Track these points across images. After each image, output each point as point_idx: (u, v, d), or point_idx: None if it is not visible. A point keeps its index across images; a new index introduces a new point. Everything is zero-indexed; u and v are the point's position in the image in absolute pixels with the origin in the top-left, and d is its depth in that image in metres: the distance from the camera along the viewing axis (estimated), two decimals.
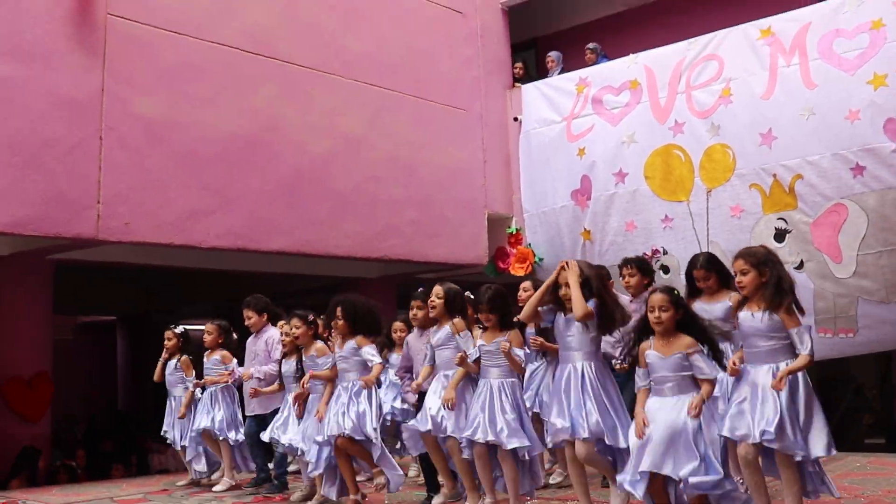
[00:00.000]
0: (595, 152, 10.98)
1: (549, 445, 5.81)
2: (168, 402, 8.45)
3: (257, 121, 9.59)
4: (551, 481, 7.25)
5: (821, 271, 9.30)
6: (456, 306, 6.25)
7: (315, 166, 10.02)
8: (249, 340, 7.91)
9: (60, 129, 8.18)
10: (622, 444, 5.23)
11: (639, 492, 4.84)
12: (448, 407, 5.94)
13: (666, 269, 10.20)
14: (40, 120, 8.06)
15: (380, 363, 6.49)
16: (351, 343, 6.46)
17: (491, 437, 5.66)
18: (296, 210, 9.78)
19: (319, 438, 6.45)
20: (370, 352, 6.43)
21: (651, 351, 5.01)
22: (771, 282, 4.88)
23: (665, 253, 10.19)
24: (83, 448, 13.04)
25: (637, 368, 5.13)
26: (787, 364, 4.81)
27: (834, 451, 4.83)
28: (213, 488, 7.86)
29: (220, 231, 9.18)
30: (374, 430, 6.32)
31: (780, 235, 9.48)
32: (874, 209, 8.99)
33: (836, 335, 9.32)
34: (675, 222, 10.15)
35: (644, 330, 5.11)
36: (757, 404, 4.78)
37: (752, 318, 4.90)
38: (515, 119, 12.14)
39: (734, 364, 4.96)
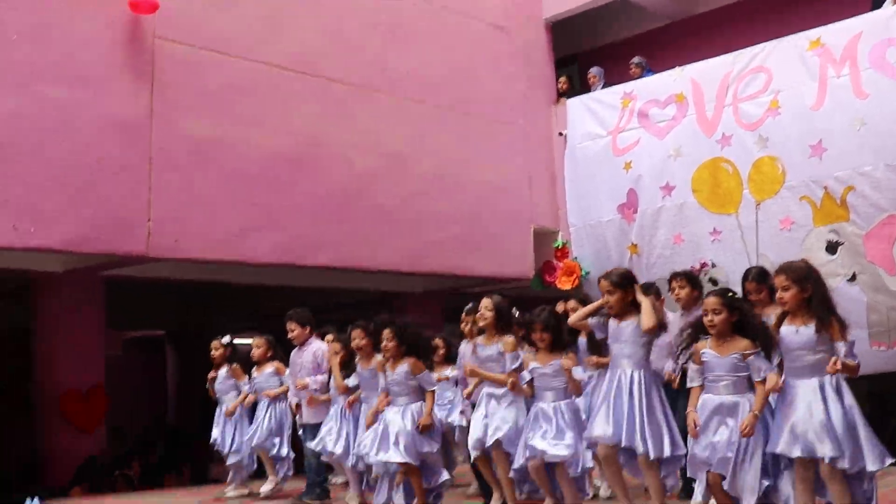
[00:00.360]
0: (641, 166, 10.91)
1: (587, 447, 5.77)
2: (217, 411, 8.55)
3: (302, 139, 9.67)
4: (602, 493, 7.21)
5: (874, 283, 9.14)
6: (506, 319, 6.22)
7: (360, 183, 10.08)
8: (294, 353, 7.93)
9: (112, 150, 8.32)
10: (666, 454, 5.33)
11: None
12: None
13: (715, 282, 10.04)
14: (93, 142, 8.21)
15: (433, 391, 6.43)
16: (404, 366, 6.36)
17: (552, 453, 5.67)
18: (341, 226, 9.84)
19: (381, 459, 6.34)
20: (427, 379, 6.38)
21: (708, 350, 5.08)
22: (816, 297, 4.81)
23: (713, 266, 10.08)
24: (137, 458, 13.22)
25: (690, 365, 5.19)
26: (832, 377, 4.75)
27: (889, 461, 4.75)
28: (261, 489, 8.02)
29: (266, 247, 9.27)
30: (432, 446, 6.31)
31: (831, 248, 9.33)
32: None
33: (891, 348, 9.14)
34: (724, 235, 10.04)
35: (700, 329, 5.16)
36: (808, 420, 4.70)
37: (797, 333, 4.83)
38: (560, 134, 12.09)
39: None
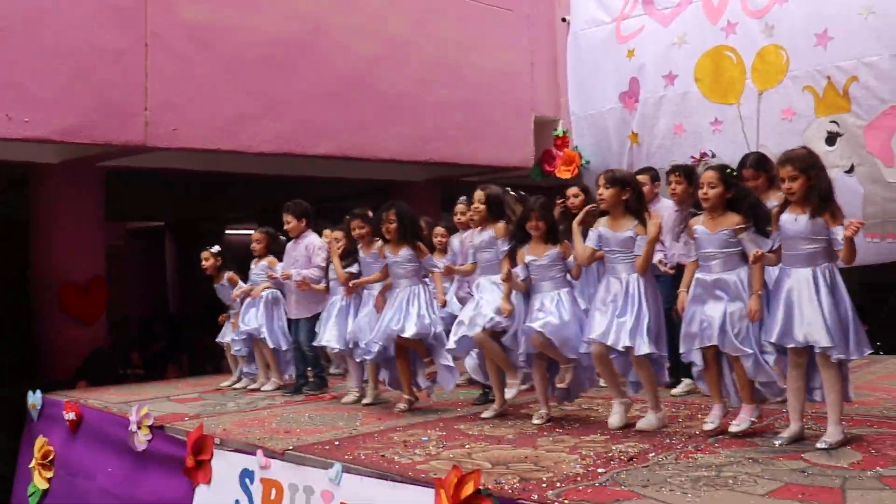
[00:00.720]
0: (645, 54, 10.75)
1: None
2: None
3: (303, 24, 9.53)
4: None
5: (872, 175, 9.13)
6: (498, 210, 6.27)
7: (361, 69, 9.97)
8: (289, 245, 8.02)
9: (106, 36, 8.21)
10: (656, 351, 5.44)
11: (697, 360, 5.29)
12: (504, 316, 6.01)
13: None
14: (86, 28, 8.09)
15: (441, 271, 6.62)
16: (406, 250, 6.54)
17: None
18: (342, 114, 9.77)
19: (379, 341, 6.58)
20: (430, 262, 6.60)
21: (699, 226, 5.20)
22: (818, 185, 4.81)
23: (713, 156, 10.02)
24: (138, 350, 13.47)
25: (687, 243, 5.37)
26: (826, 266, 4.81)
27: (868, 350, 4.85)
28: (262, 388, 8.14)
29: (266, 136, 9.23)
30: (438, 331, 6.52)
31: (831, 139, 9.29)
32: None
33: (885, 240, 9.19)
34: (725, 125, 9.97)
35: (699, 207, 5.27)
36: (802, 309, 4.78)
37: (795, 221, 4.85)
38: (563, 20, 11.89)
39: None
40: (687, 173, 6.92)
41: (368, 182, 12.85)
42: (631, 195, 5.55)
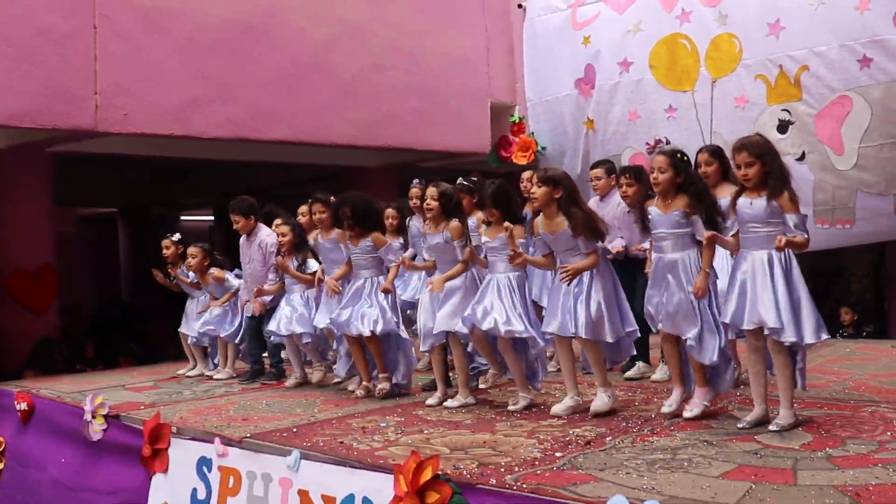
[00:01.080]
0: (600, 41, 10.82)
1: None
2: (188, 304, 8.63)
3: (257, 7, 9.43)
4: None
5: (822, 163, 9.30)
6: (452, 206, 6.18)
7: (316, 54, 9.88)
8: (242, 241, 7.86)
9: (54, 18, 8.05)
10: (609, 339, 5.48)
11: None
12: (430, 289, 6.05)
13: None
14: (32, 10, 7.94)
15: (397, 265, 6.59)
16: (367, 241, 6.57)
17: (491, 326, 5.72)
18: (296, 98, 9.69)
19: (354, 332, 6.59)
20: (389, 253, 6.58)
21: (653, 207, 5.30)
22: (773, 171, 4.86)
23: (668, 143, 10.13)
24: (91, 339, 13.28)
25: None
26: (782, 252, 4.85)
27: (825, 336, 4.91)
28: (215, 376, 8.10)
29: (219, 120, 9.13)
30: (397, 323, 6.55)
31: (782, 127, 9.43)
32: (879, 102, 8.93)
33: (834, 226, 9.38)
34: (679, 112, 10.08)
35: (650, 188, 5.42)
36: (756, 292, 4.84)
37: (751, 205, 4.90)
38: (520, 6, 11.91)
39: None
40: (636, 174, 6.84)
41: (324, 167, 12.77)
42: (563, 193, 5.54)
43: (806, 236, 4.81)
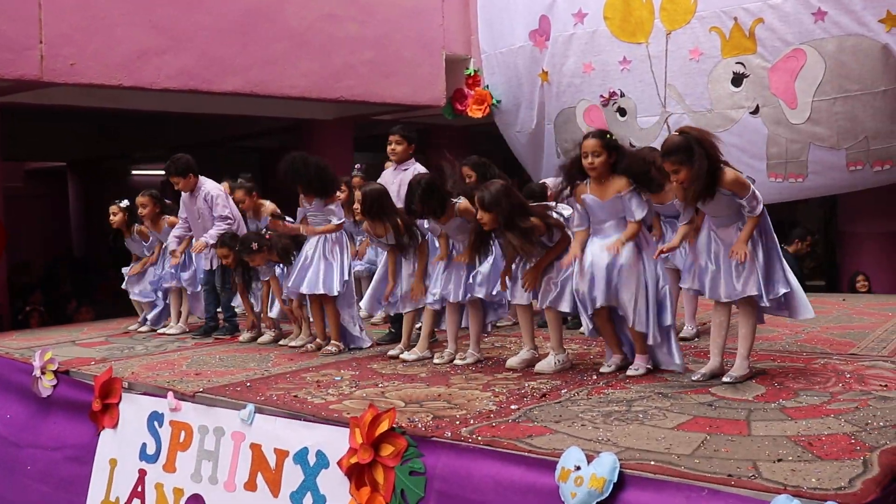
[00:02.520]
0: None
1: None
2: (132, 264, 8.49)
3: None
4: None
5: (776, 117, 9.36)
6: (376, 209, 6.13)
7: (269, 3, 9.68)
8: (185, 198, 7.69)
9: None
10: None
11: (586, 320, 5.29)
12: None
13: (623, 112, 10.17)
14: None
15: (342, 222, 6.66)
16: (319, 201, 6.61)
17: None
18: (249, 49, 9.51)
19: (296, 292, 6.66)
20: (333, 212, 6.65)
21: (588, 195, 5.20)
22: (703, 168, 4.70)
23: (622, 95, 10.14)
24: (40, 292, 13.08)
25: (575, 208, 5.29)
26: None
27: (783, 290, 4.92)
28: (168, 331, 8.01)
29: (170, 71, 8.94)
30: (343, 284, 6.54)
31: (737, 80, 9.46)
32: (832, 55, 8.99)
33: (787, 179, 9.48)
34: (634, 65, 10.05)
35: (579, 170, 5.21)
36: (732, 266, 4.87)
37: (704, 203, 4.88)
38: None
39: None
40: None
41: (280, 120, 12.61)
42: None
43: (756, 214, 4.80)
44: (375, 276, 6.60)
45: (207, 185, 7.62)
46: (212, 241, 7.40)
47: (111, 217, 8.24)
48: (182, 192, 7.67)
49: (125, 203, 8.24)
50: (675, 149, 4.76)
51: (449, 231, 5.91)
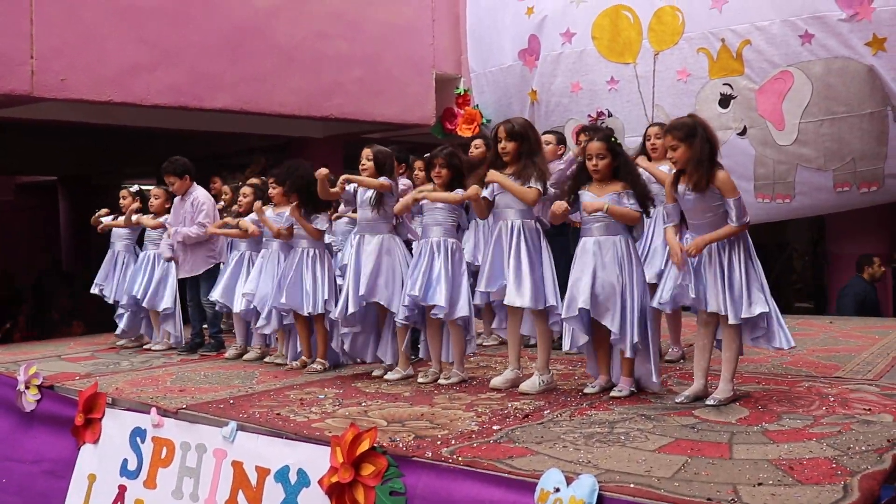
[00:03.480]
0: (543, 11, 10.77)
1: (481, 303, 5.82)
2: (110, 255, 8.44)
3: None
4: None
5: (763, 138, 9.41)
6: (386, 168, 6.15)
7: (258, 20, 9.72)
8: (176, 202, 7.83)
9: None
10: (548, 303, 5.42)
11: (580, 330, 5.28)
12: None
13: (610, 134, 10.17)
14: None
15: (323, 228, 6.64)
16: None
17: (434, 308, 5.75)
18: (238, 66, 9.53)
19: (279, 306, 6.61)
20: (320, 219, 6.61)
21: (587, 192, 5.29)
22: (704, 154, 4.81)
23: (610, 115, 10.18)
24: (28, 304, 13.02)
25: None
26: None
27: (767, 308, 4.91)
28: (153, 347, 8.00)
29: (160, 87, 8.96)
30: (326, 300, 6.48)
31: (724, 101, 9.51)
32: (819, 77, 9.05)
33: (774, 200, 9.52)
34: (621, 84, 10.10)
35: (582, 175, 5.32)
36: (714, 277, 4.86)
37: (688, 193, 4.90)
38: None
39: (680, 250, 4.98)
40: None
41: (269, 137, 12.62)
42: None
43: (744, 222, 4.82)
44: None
45: (199, 191, 7.75)
46: (179, 239, 7.49)
47: (122, 201, 8.24)
48: (175, 196, 7.77)
49: (135, 188, 8.31)
50: (680, 126, 4.91)
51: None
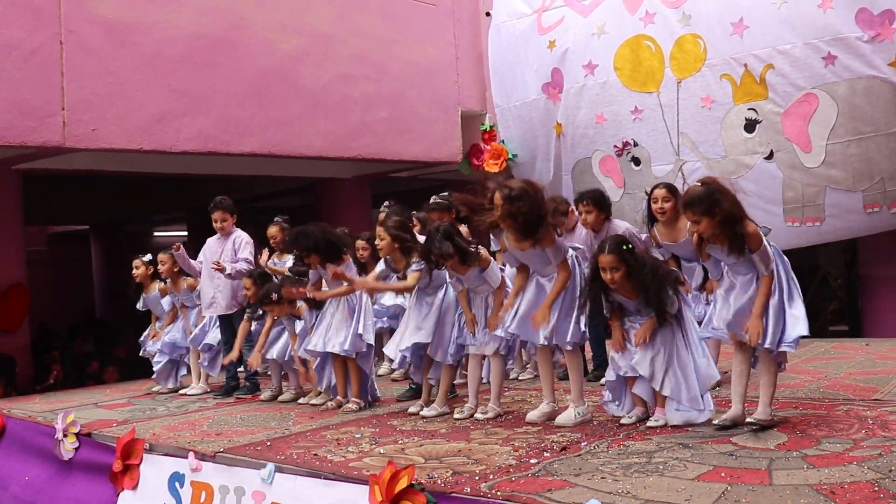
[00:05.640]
0: (565, 44, 10.85)
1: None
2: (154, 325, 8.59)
3: (223, 19, 9.39)
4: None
5: (790, 161, 9.37)
6: (405, 240, 6.27)
7: (284, 65, 9.86)
8: (212, 241, 7.88)
9: (18, 33, 7.99)
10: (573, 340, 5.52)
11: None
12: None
13: (637, 161, 10.21)
14: None
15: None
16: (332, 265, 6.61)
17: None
18: (266, 110, 9.66)
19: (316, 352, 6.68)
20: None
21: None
22: (726, 220, 4.77)
23: (636, 145, 10.19)
24: (62, 354, 13.11)
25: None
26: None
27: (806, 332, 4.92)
28: (187, 391, 8.05)
29: (189, 134, 9.09)
30: (370, 345, 6.57)
31: (750, 126, 9.49)
32: (844, 98, 9.02)
33: (804, 224, 9.44)
34: (645, 113, 10.11)
35: (597, 283, 5.25)
36: (746, 310, 4.92)
37: (721, 253, 4.92)
38: (487, 14, 11.96)
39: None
40: (595, 201, 6.73)
41: (299, 179, 12.73)
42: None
43: (767, 274, 4.87)
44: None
45: (240, 231, 7.84)
46: (230, 270, 7.52)
47: (134, 271, 8.34)
48: (213, 236, 7.86)
49: (148, 257, 8.38)
50: (697, 200, 4.82)
51: (468, 282, 5.94)
